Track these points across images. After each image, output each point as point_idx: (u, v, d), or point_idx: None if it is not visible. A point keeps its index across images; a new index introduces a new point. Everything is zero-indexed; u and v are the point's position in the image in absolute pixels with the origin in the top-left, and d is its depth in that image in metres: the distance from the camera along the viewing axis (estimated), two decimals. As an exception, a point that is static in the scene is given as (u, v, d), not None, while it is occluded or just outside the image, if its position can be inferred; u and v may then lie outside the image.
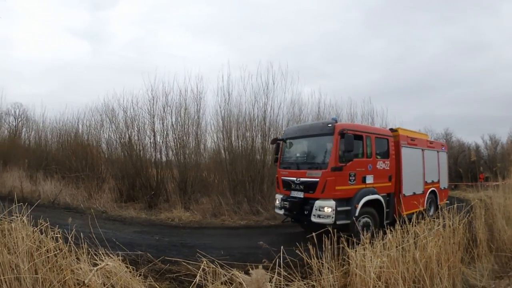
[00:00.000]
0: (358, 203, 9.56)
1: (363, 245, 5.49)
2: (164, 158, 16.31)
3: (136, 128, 16.49)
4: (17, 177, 18.14)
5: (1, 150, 22.86)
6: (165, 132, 16.04)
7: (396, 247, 5.35)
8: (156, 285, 5.21)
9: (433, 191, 13.20)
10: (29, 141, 24.95)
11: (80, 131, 19.84)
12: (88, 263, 5.16)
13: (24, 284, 4.69)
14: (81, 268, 5.00)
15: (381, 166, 10.68)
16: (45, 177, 18.13)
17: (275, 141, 11.40)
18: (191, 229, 11.33)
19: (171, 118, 16.01)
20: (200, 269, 5.05)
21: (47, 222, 5.73)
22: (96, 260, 5.21)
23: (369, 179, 10.20)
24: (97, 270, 4.81)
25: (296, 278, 5.11)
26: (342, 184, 9.57)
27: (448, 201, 13.23)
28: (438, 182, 13.62)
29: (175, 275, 6.27)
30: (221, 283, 4.98)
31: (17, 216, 5.76)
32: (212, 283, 4.96)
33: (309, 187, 9.65)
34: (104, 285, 4.69)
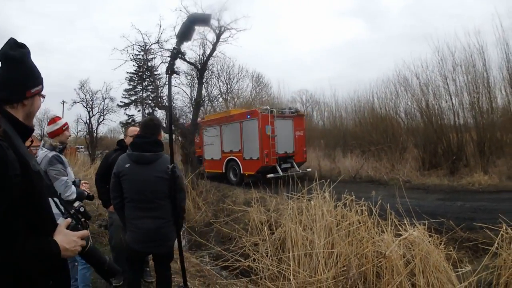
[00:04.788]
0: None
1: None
2: (461, 121, 15.33)
3: (432, 92, 16.08)
4: (312, 157, 19.94)
5: None
6: (460, 93, 15.17)
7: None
8: (454, 255, 5.02)
9: (232, 159, 16.73)
10: (323, 122, 27.04)
11: (376, 104, 20.52)
12: (391, 234, 5.20)
13: (315, 259, 5.05)
14: (383, 240, 5.11)
15: None
16: (344, 154, 19.66)
17: None
18: (489, 193, 10.58)
19: (463, 78, 15.04)
20: (499, 236, 4.65)
21: (351, 196, 6.24)
22: (400, 231, 5.22)
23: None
24: (399, 241, 4.85)
25: None
26: None
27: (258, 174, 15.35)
28: (240, 152, 16.24)
29: (471, 243, 6.06)
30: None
31: (317, 193, 6.46)
32: (507, 251, 4.47)
33: None
34: (404, 257, 4.75)
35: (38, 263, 1.48)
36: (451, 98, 15.34)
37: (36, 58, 1.71)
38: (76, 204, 1.89)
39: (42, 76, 1.79)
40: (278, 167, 15.24)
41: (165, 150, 3.67)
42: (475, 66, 14.65)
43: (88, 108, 34.71)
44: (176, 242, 3.36)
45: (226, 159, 16.96)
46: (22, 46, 1.67)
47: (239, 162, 16.17)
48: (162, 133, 4.05)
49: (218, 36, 14.20)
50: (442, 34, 29.58)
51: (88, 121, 34.37)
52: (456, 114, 15.24)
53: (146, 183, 3.43)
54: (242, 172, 16.04)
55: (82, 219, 1.88)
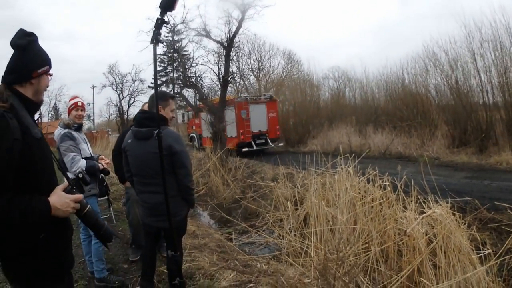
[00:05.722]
0: None
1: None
2: (491, 99, 14.60)
3: (460, 69, 15.36)
4: (344, 133, 19.99)
5: (326, 111, 25.62)
6: (488, 70, 14.35)
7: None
8: (478, 236, 4.86)
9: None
10: (354, 98, 26.50)
11: (406, 80, 19.82)
12: (415, 211, 5.11)
13: (337, 235, 5.01)
14: (405, 217, 5.01)
15: None
16: (375, 130, 19.28)
17: None
18: None
19: (490, 54, 14.19)
20: None
21: (375, 171, 6.14)
22: (424, 208, 5.08)
23: None
24: (422, 218, 4.72)
25: None
26: None
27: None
28: (224, 131, 17.45)
29: (496, 224, 5.81)
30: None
31: (341, 168, 6.36)
32: None
33: None
34: (426, 235, 4.65)
35: (25, 216, 1.72)
36: (480, 75, 14.64)
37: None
38: (78, 170, 2.21)
39: (51, 58, 2.07)
40: (253, 143, 19.06)
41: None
42: (502, 42, 13.88)
43: (118, 91, 35.49)
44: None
45: None
46: (30, 35, 1.96)
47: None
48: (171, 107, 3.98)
49: (243, 13, 14.24)
50: (468, 11, 28.05)
51: (118, 104, 35.15)
52: (485, 91, 14.60)
53: (144, 159, 3.50)
54: (226, 147, 18.52)
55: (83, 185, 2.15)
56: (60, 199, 1.87)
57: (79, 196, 1.98)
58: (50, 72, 2.08)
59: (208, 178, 12.38)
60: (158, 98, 3.53)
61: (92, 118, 44.94)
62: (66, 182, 2.01)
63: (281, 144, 21.10)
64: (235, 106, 18.68)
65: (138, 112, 3.84)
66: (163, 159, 2.79)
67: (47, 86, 2.09)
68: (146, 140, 3.48)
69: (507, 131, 13.25)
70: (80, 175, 2.14)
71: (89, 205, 2.06)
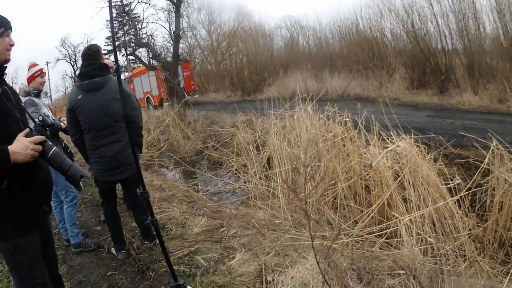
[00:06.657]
0: None
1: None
2: (450, 44, 14.51)
3: (416, 13, 15.29)
4: (300, 79, 19.67)
5: (280, 59, 25.82)
6: (445, 15, 14.21)
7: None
8: (445, 170, 4.95)
9: (148, 97, 26.26)
10: (308, 45, 26.46)
11: (360, 25, 19.70)
12: (378, 146, 5.13)
13: (303, 174, 5.00)
14: (369, 152, 5.03)
15: None
16: (331, 74, 19.30)
17: None
18: (479, 113, 10.21)
19: (448, 0, 13.94)
20: (489, 152, 4.55)
21: (334, 108, 6.10)
22: (387, 144, 5.11)
23: None
24: (386, 152, 4.74)
25: None
26: None
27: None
28: (150, 91, 25.91)
29: (463, 160, 5.88)
30: (507, 170, 4.33)
31: (300, 108, 6.31)
32: (499, 169, 4.38)
33: None
34: (391, 168, 4.70)
35: None
36: (437, 20, 14.50)
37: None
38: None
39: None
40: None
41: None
42: (459, -12, 13.78)
43: (72, 63, 35.18)
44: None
45: (146, 97, 26.29)
46: None
47: (151, 97, 25.79)
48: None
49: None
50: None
51: (73, 76, 34.98)
52: (443, 36, 14.50)
53: (101, 108, 3.43)
54: (153, 103, 25.07)
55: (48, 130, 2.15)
56: (19, 143, 1.91)
57: (39, 137, 1.99)
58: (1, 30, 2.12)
59: (168, 134, 12.26)
60: (99, 51, 3.59)
61: (49, 94, 43.72)
62: (27, 129, 2.03)
63: (196, 96, 25.89)
64: (154, 73, 23.51)
65: (81, 67, 3.66)
66: (119, 105, 2.70)
67: (10, 44, 2.14)
68: (100, 89, 3.43)
69: (468, 73, 13.32)
70: (40, 118, 2.13)
71: (54, 148, 2.06)
